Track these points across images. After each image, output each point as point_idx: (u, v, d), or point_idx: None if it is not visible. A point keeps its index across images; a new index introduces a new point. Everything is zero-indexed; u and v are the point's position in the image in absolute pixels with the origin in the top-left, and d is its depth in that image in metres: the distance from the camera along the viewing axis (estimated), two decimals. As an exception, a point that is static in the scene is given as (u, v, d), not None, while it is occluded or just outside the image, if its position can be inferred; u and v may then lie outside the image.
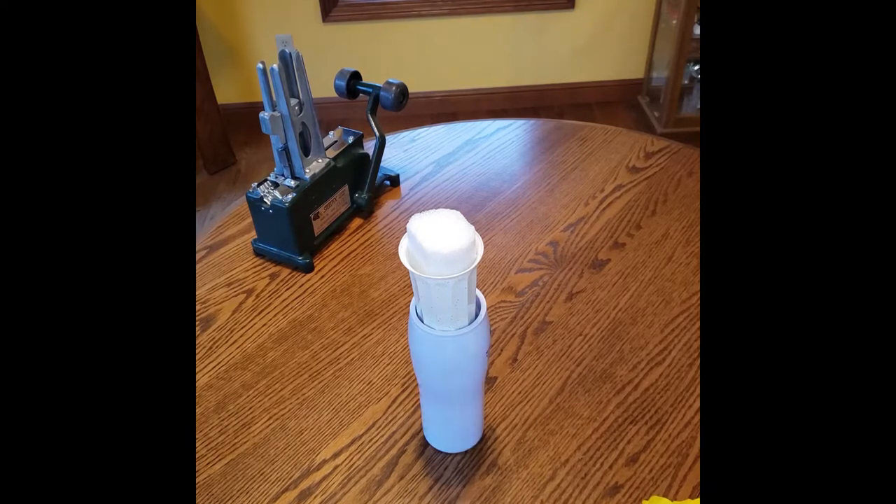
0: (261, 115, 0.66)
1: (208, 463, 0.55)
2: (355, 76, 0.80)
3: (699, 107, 2.00)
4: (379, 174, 0.82)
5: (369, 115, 0.80)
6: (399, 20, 2.16)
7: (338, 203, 0.77)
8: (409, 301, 0.47)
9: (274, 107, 0.67)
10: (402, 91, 0.78)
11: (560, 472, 0.53)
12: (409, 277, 0.43)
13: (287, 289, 0.71)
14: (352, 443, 0.56)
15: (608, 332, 0.65)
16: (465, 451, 0.55)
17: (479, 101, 2.37)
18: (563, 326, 0.65)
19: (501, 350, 0.63)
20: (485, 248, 0.75)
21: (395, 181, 0.86)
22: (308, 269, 0.73)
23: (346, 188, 0.78)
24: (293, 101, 0.68)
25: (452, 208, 0.43)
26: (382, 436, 0.56)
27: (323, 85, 1.22)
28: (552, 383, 0.60)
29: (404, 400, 0.59)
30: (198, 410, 0.59)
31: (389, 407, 0.59)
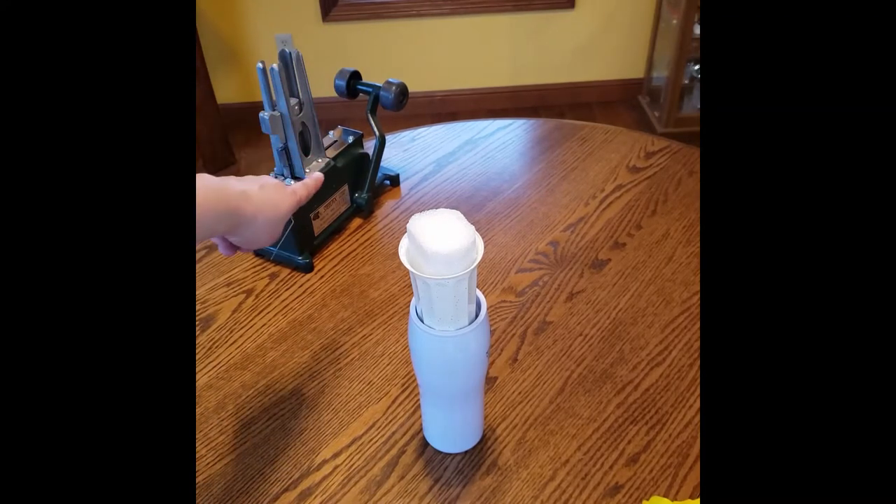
0: (261, 114, 0.66)
1: (208, 463, 0.54)
2: (355, 76, 0.80)
3: (699, 106, 2.00)
4: (379, 174, 0.82)
5: (369, 115, 0.80)
6: (399, 20, 2.16)
7: (338, 203, 0.77)
8: (409, 301, 0.47)
9: (274, 106, 0.67)
10: (402, 91, 0.78)
11: (560, 473, 0.53)
12: (409, 277, 0.43)
13: (287, 289, 0.71)
14: (352, 443, 0.56)
15: (608, 332, 0.65)
16: (465, 452, 0.55)
17: (480, 101, 2.37)
18: (564, 326, 0.65)
19: (501, 350, 0.63)
20: (485, 247, 0.75)
21: (395, 181, 0.86)
22: (308, 268, 0.73)
23: (345, 188, 0.78)
24: (293, 101, 0.67)
25: (452, 208, 0.43)
26: (382, 436, 0.56)
27: (323, 84, 1.22)
28: (552, 383, 0.60)
29: (404, 400, 0.59)
30: (198, 410, 0.59)
31: (389, 407, 0.58)
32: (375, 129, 0.80)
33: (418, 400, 0.58)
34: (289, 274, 0.73)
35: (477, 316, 0.45)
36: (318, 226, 0.75)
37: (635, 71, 2.33)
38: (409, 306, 0.57)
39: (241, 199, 0.47)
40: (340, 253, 0.76)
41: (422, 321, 0.45)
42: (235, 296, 0.70)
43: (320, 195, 0.73)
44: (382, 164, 0.84)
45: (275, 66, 0.64)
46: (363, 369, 0.62)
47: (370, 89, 0.79)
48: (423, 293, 0.43)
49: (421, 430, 0.56)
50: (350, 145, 0.78)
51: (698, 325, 0.65)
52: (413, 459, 0.54)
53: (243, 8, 2.12)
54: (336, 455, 0.55)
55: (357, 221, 0.80)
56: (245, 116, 2.29)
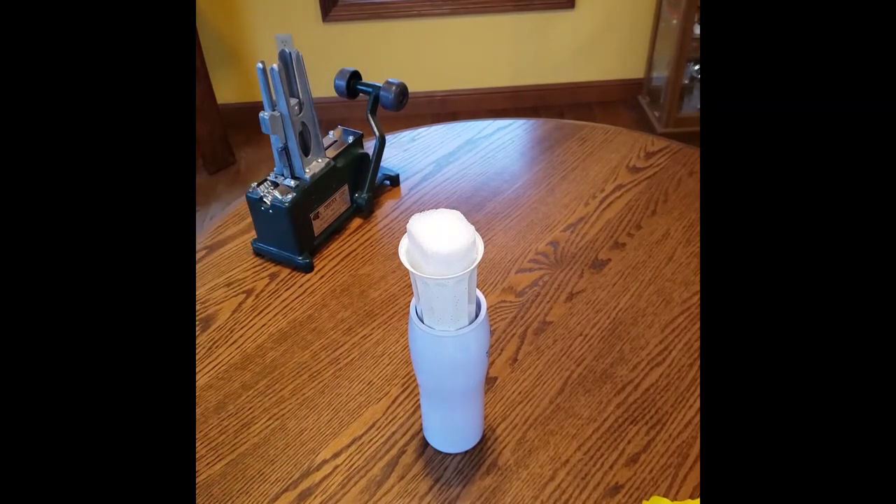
0: (261, 114, 0.66)
1: (208, 463, 0.54)
2: (355, 76, 0.80)
3: (699, 106, 2.00)
4: (379, 174, 0.82)
5: (369, 115, 0.80)
6: (399, 20, 2.16)
7: (338, 203, 0.77)
8: (409, 301, 0.47)
9: (274, 106, 0.67)
10: (402, 91, 0.78)
11: (560, 473, 0.53)
12: (409, 277, 0.43)
13: (287, 289, 0.71)
14: (352, 443, 0.56)
15: (608, 332, 0.65)
16: (466, 452, 0.55)
17: (480, 101, 2.37)
18: (564, 326, 0.65)
19: (501, 350, 0.63)
20: (485, 247, 0.75)
21: (394, 181, 0.86)
22: (308, 269, 0.73)
23: (345, 188, 0.78)
24: (293, 101, 0.67)
25: (452, 208, 0.43)
26: (382, 436, 0.56)
27: (323, 85, 1.22)
28: (552, 383, 0.60)
29: (404, 400, 0.59)
30: (198, 410, 0.59)
31: (389, 407, 0.58)
32: (375, 129, 0.80)
33: (418, 400, 0.58)
34: (289, 274, 0.73)
35: (477, 316, 0.45)
36: (318, 226, 0.75)
37: (635, 71, 2.33)
38: (409, 306, 0.57)
39: None
40: (340, 253, 0.76)
41: (422, 321, 0.45)
42: (235, 296, 0.70)
43: (320, 195, 0.73)
44: (382, 164, 0.84)
45: (275, 66, 0.64)
46: (363, 369, 0.62)
47: (370, 89, 0.79)
48: (423, 293, 0.43)
49: (421, 430, 0.56)
50: (350, 145, 0.78)
51: (698, 325, 0.65)
52: (413, 459, 0.54)
53: (243, 8, 2.12)
54: (336, 455, 0.55)
55: (357, 221, 0.80)
56: (245, 116, 2.29)
